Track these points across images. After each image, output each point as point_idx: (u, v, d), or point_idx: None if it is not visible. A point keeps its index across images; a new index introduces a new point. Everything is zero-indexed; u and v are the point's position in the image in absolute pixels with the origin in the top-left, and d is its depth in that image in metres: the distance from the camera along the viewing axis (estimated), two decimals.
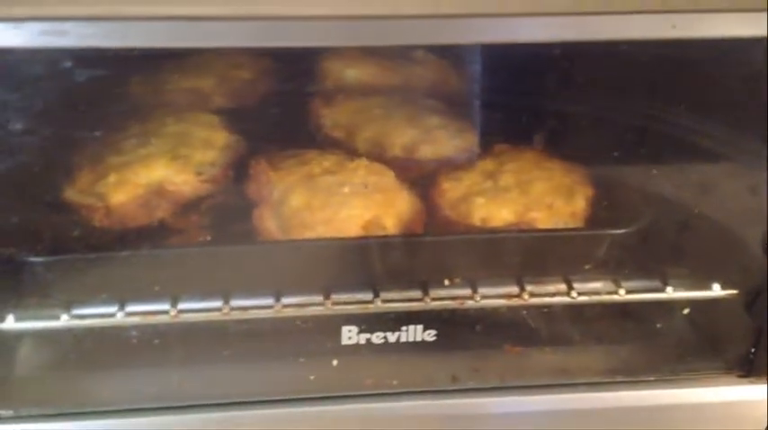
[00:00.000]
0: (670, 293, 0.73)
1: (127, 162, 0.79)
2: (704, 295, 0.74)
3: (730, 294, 0.73)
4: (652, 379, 0.76)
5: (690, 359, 0.77)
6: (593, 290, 0.74)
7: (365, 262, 0.73)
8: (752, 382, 0.75)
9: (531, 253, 0.74)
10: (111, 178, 0.77)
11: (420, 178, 0.82)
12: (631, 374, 0.76)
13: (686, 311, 0.74)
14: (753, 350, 0.74)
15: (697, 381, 0.76)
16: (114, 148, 0.81)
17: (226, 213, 0.79)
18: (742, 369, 0.76)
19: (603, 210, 0.76)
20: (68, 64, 0.73)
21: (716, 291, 0.73)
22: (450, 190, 0.79)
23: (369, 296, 0.72)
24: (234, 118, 0.86)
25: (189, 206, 0.79)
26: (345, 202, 0.75)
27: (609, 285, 0.74)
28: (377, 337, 0.72)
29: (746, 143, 0.68)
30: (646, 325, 0.77)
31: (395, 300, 0.72)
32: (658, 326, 0.76)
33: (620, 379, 0.76)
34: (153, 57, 0.87)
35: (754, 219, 0.69)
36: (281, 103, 0.89)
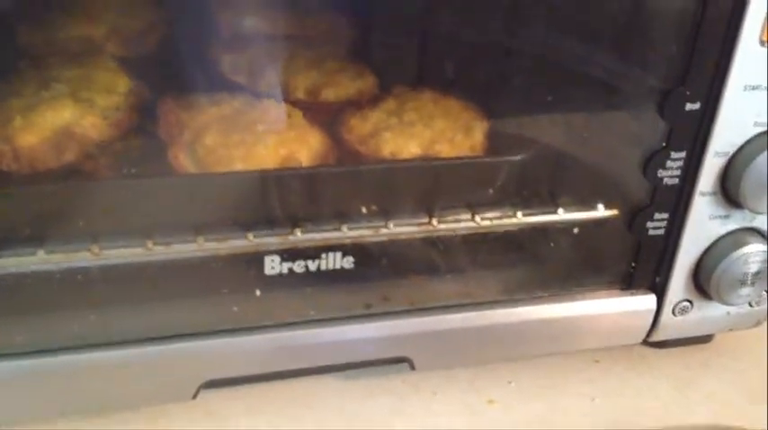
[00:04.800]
0: (561, 215, 0.80)
1: (30, 105, 0.77)
2: (590, 215, 0.81)
3: (613, 214, 0.81)
4: (545, 295, 0.83)
5: (578, 276, 0.84)
6: (494, 215, 0.80)
7: (284, 193, 0.76)
8: (632, 294, 0.85)
9: (438, 180, 0.79)
10: (17, 121, 0.76)
11: (325, 119, 0.85)
12: (526, 292, 0.83)
13: (576, 231, 0.81)
14: (633, 265, 0.83)
15: (584, 295, 0.84)
16: (12, 93, 0.79)
17: (138, 156, 0.79)
18: (624, 282, 0.85)
19: (499, 142, 0.82)
20: None
21: (600, 211, 0.81)
22: (358, 126, 0.82)
23: (288, 229, 0.75)
24: (132, 65, 0.86)
25: (99, 150, 0.79)
26: (260, 140, 0.77)
27: (507, 210, 0.80)
28: (298, 266, 0.75)
29: (634, 74, 0.75)
30: (539, 247, 0.84)
31: (314, 231, 0.75)
32: (550, 246, 0.83)
33: (516, 297, 0.83)
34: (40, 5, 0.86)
35: (635, 143, 0.77)
36: (179, 52, 0.90)
